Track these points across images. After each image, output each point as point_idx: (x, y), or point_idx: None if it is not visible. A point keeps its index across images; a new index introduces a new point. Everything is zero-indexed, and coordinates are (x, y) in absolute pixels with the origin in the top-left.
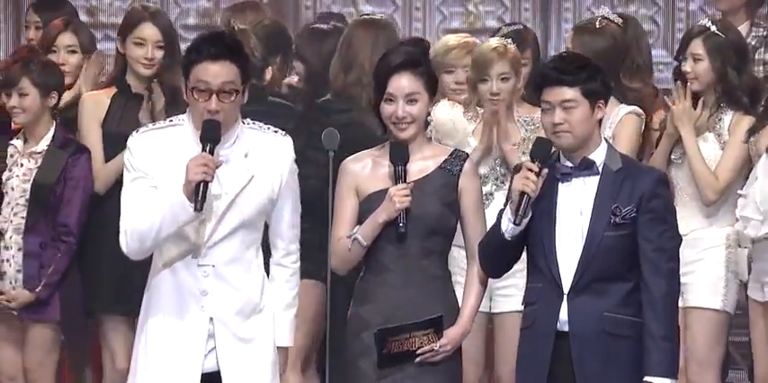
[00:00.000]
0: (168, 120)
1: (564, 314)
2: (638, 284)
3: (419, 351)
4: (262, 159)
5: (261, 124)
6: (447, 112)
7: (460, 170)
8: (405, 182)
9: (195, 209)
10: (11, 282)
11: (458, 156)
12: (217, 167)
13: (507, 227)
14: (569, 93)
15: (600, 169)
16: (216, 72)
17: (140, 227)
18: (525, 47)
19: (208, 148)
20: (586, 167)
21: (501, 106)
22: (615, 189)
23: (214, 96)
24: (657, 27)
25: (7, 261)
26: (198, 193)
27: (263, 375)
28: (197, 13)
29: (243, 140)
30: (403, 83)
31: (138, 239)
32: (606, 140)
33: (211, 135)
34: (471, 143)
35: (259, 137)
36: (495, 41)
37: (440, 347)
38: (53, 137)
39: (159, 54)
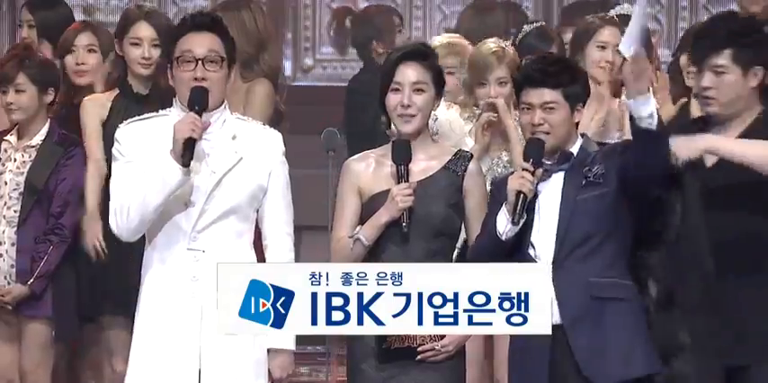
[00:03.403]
0: (155, 111)
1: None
2: (622, 246)
3: (420, 349)
4: (250, 144)
5: (249, 118)
6: (444, 113)
7: (465, 170)
8: (407, 181)
9: (182, 165)
10: (5, 278)
11: (462, 157)
12: (205, 128)
13: (505, 228)
14: (551, 95)
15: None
16: (200, 41)
17: (128, 201)
18: (550, 43)
19: (195, 111)
20: (565, 160)
21: (502, 108)
22: (586, 161)
23: (200, 65)
24: (660, 25)
25: (0, 256)
26: (185, 150)
27: (244, 374)
28: (195, 11)
29: (230, 125)
30: (410, 71)
31: (126, 214)
32: (582, 135)
33: (199, 100)
34: (468, 143)
35: (247, 125)
36: (492, 44)
37: (441, 347)
38: (47, 132)
39: (156, 53)
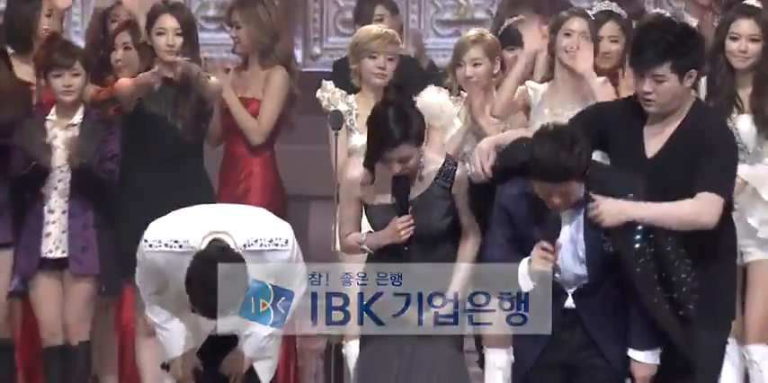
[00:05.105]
0: (184, 241)
1: (569, 303)
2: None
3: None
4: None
5: (262, 241)
6: (434, 96)
7: (452, 180)
8: (407, 213)
9: None
10: (54, 243)
11: (447, 170)
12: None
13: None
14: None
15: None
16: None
17: (158, 337)
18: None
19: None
20: (576, 205)
21: (475, 88)
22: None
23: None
24: None
25: (53, 223)
26: None
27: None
28: (216, 5)
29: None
30: (404, 153)
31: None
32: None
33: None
34: (457, 124)
35: (256, 270)
36: (473, 31)
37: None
38: (84, 112)
39: (179, 41)
